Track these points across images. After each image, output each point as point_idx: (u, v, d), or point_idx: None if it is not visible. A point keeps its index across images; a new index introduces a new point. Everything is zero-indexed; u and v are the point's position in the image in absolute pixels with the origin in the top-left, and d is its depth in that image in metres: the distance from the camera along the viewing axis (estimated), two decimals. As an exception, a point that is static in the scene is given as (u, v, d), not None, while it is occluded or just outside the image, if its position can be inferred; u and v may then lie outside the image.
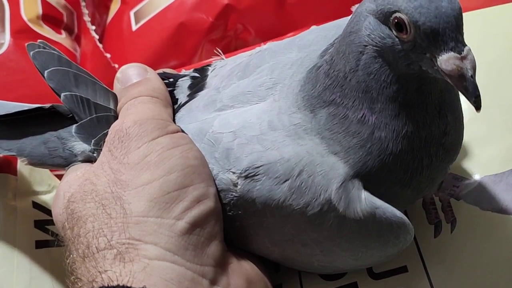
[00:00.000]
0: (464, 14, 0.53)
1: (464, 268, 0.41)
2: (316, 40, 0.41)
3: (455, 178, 0.44)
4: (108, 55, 0.67)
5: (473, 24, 0.53)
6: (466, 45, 0.31)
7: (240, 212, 0.38)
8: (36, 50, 0.45)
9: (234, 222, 0.38)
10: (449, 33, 0.30)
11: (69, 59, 0.45)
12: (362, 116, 0.34)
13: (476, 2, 0.56)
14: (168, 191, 0.36)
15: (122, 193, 0.36)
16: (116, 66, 0.66)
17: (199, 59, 0.66)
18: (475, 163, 0.45)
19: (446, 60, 0.30)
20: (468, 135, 0.46)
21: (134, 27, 0.68)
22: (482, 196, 0.43)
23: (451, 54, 0.30)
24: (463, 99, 0.47)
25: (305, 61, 0.39)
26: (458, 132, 0.37)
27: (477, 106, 0.31)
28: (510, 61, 0.49)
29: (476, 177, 0.44)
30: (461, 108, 0.38)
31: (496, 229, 0.42)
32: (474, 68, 0.30)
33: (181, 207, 0.36)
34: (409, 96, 0.34)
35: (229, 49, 0.68)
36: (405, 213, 0.43)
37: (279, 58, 0.41)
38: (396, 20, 0.32)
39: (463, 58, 0.30)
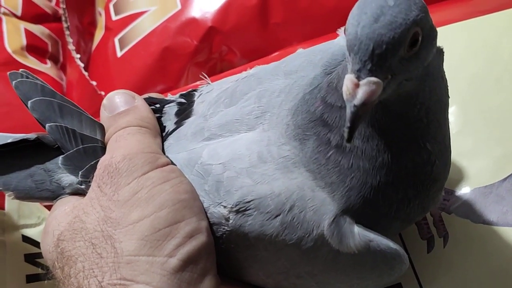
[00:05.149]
0: (447, 27, 0.54)
1: (458, 283, 0.40)
2: (302, 65, 0.40)
3: (445, 192, 0.44)
4: (94, 83, 0.67)
5: (456, 36, 0.54)
6: (374, 76, 0.29)
7: (233, 245, 0.37)
8: (18, 79, 0.44)
9: (227, 255, 0.38)
10: (360, 56, 0.29)
11: (53, 89, 0.45)
12: (340, 139, 0.34)
13: (457, 14, 0.56)
14: (159, 228, 0.35)
15: (113, 231, 0.35)
16: (103, 93, 0.66)
17: (185, 82, 0.66)
18: (464, 176, 0.45)
19: (345, 81, 0.29)
20: (456, 148, 0.46)
21: (119, 54, 0.68)
22: (473, 209, 0.43)
23: (351, 76, 0.29)
24: (451, 111, 0.48)
25: (293, 89, 0.38)
26: (446, 159, 0.37)
27: (346, 138, 0.29)
28: (493, 73, 0.50)
29: (466, 189, 0.44)
30: (449, 131, 0.37)
31: (489, 242, 0.42)
32: (363, 101, 0.28)
33: (173, 244, 0.35)
34: (378, 117, 0.33)
35: (215, 71, 0.68)
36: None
37: (266, 85, 0.40)
38: None
39: (357, 85, 0.29)
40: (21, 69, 0.45)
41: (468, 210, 0.43)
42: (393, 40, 0.29)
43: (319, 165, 0.35)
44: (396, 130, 0.34)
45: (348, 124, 0.29)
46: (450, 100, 0.49)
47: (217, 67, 0.68)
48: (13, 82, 0.44)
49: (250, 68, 0.44)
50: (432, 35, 0.32)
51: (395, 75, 0.30)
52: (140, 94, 0.66)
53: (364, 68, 0.29)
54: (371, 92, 0.29)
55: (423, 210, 0.37)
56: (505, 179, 0.44)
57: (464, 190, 0.44)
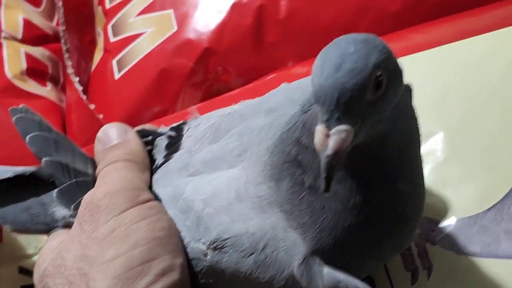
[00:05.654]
0: (436, 49, 0.55)
1: (441, 316, 0.41)
2: (283, 103, 0.41)
3: (430, 222, 0.45)
4: (92, 106, 0.68)
5: (444, 59, 0.54)
6: (342, 124, 0.29)
7: (211, 281, 0.38)
8: (18, 115, 0.46)
9: None
10: (327, 106, 0.29)
11: (49, 124, 0.46)
12: (314, 180, 0.34)
13: (445, 35, 0.56)
14: (132, 267, 0.36)
15: (89, 269, 0.36)
16: (101, 116, 0.67)
17: (182, 104, 0.67)
18: (450, 206, 0.45)
19: (316, 132, 0.29)
20: (442, 177, 0.47)
21: (117, 76, 0.69)
22: (457, 240, 0.43)
23: (321, 127, 0.29)
24: (439, 138, 0.48)
25: (273, 127, 0.39)
26: (418, 198, 0.37)
27: (324, 188, 0.29)
28: (481, 97, 0.50)
29: (451, 220, 0.45)
30: (422, 170, 0.37)
31: (471, 274, 0.42)
32: (335, 149, 0.29)
33: (144, 283, 0.36)
34: (351, 159, 0.33)
35: (211, 91, 0.68)
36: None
37: (248, 122, 0.41)
38: None
39: (327, 136, 0.29)
40: (21, 105, 0.47)
41: (452, 241, 0.43)
42: (356, 86, 0.29)
43: (292, 206, 0.35)
44: (368, 171, 0.34)
45: (324, 175, 0.29)
46: (437, 126, 0.49)
47: (213, 88, 0.69)
48: (13, 118, 0.46)
49: (235, 103, 0.45)
50: (397, 74, 0.32)
51: (365, 119, 0.30)
52: (137, 117, 0.68)
53: (332, 117, 0.29)
54: (342, 140, 0.29)
55: (396, 249, 0.38)
56: (489, 209, 0.44)
57: (449, 221, 0.45)
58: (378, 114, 0.31)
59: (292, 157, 0.35)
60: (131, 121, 0.67)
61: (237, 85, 0.68)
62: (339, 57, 0.29)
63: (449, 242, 0.43)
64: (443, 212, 0.45)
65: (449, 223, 0.44)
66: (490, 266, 0.42)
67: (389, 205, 0.35)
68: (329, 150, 0.29)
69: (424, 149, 0.48)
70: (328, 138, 0.29)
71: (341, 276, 0.35)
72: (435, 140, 0.48)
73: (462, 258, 0.43)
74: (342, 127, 0.29)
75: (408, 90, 0.36)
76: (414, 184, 0.36)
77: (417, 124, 0.37)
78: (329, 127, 0.29)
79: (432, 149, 0.48)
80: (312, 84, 0.30)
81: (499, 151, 0.47)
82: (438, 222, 0.45)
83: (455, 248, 0.43)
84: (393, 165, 0.35)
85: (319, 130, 0.29)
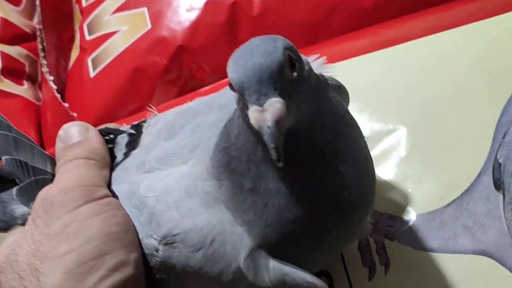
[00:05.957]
0: (401, 45, 0.54)
1: (396, 311, 0.41)
2: (233, 99, 0.41)
3: (390, 218, 0.45)
4: (66, 105, 0.68)
5: (410, 55, 0.53)
6: (273, 97, 0.29)
7: (164, 276, 0.39)
8: None
9: (160, 285, 0.39)
10: (252, 86, 0.30)
11: (9, 123, 0.46)
12: (253, 184, 0.34)
13: (417, 30, 0.56)
14: (84, 261, 0.36)
15: (40, 265, 0.36)
16: (75, 114, 0.67)
17: (157, 101, 0.67)
18: (409, 202, 0.45)
19: (251, 114, 0.30)
20: (403, 173, 0.47)
21: (92, 74, 0.69)
22: (415, 236, 0.43)
23: (254, 107, 0.30)
24: (401, 134, 0.48)
25: (222, 123, 0.39)
26: (364, 181, 0.36)
27: (276, 159, 0.29)
28: (444, 94, 0.49)
29: (411, 215, 0.45)
30: (367, 152, 0.37)
31: (428, 269, 0.42)
32: (274, 120, 0.29)
33: (96, 277, 0.36)
34: (287, 153, 0.32)
35: (186, 88, 0.69)
36: (341, 256, 0.44)
37: (200, 119, 0.41)
38: None
39: (262, 111, 0.29)
40: None
41: (411, 237, 0.43)
42: (273, 63, 0.30)
43: (236, 205, 0.36)
44: (307, 159, 0.34)
45: (272, 146, 0.29)
46: (400, 122, 0.49)
47: (188, 84, 0.69)
48: None
49: (190, 100, 0.45)
50: (305, 63, 0.33)
51: (290, 96, 0.30)
52: (112, 114, 0.68)
53: (260, 94, 0.29)
54: (278, 110, 0.29)
55: (348, 239, 0.38)
56: (449, 204, 0.44)
57: (409, 216, 0.45)
58: (301, 94, 0.32)
59: (225, 165, 0.36)
60: (106, 118, 0.67)
61: (212, 82, 0.68)
62: (248, 50, 0.31)
63: (408, 238, 0.43)
64: (404, 207, 0.45)
65: (409, 218, 0.44)
66: (447, 261, 0.42)
67: (333, 191, 0.34)
68: (269, 122, 0.29)
69: (386, 144, 0.48)
70: (264, 113, 0.29)
71: (287, 269, 0.35)
72: (397, 136, 0.48)
73: (419, 253, 0.43)
74: (274, 99, 0.29)
75: (322, 78, 0.36)
76: (356, 166, 0.35)
77: (343, 106, 0.37)
78: (260, 105, 0.29)
79: (394, 144, 0.48)
80: (232, 81, 0.31)
81: (461, 148, 0.47)
82: (398, 218, 0.45)
83: (413, 244, 0.43)
84: (329, 146, 0.34)
85: (252, 110, 0.30)
